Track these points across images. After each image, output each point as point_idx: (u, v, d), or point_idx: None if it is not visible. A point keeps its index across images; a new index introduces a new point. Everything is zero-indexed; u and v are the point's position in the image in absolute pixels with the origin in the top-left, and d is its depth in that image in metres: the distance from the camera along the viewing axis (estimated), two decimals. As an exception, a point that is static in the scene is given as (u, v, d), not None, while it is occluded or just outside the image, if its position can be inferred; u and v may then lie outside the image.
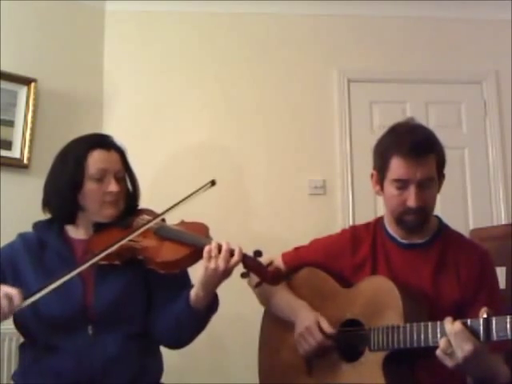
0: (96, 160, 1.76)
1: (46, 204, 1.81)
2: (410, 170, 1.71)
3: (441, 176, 1.80)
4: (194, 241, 1.69)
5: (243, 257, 1.64)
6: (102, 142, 1.82)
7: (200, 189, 1.79)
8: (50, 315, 1.67)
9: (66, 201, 1.76)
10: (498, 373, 1.60)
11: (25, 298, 1.51)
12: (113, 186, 1.76)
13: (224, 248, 1.63)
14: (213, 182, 1.81)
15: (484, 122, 3.45)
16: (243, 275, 1.67)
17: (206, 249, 1.62)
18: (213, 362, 3.06)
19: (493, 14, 3.44)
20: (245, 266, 1.66)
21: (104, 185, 1.76)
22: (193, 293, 1.68)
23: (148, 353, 1.77)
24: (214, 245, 1.63)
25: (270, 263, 1.67)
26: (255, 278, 1.70)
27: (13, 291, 1.50)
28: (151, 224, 1.73)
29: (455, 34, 3.49)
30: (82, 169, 1.75)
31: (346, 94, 3.40)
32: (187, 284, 1.79)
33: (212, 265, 1.61)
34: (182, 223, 1.82)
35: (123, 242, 1.65)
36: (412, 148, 1.71)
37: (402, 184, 1.73)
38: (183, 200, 1.76)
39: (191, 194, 1.78)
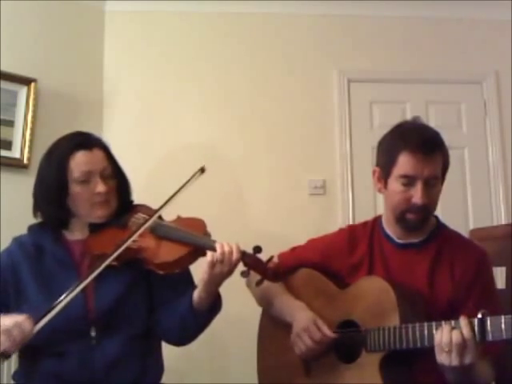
0: (79, 163, 1.71)
1: (37, 209, 1.78)
2: (417, 166, 1.70)
3: (443, 178, 1.79)
4: (192, 240, 1.67)
5: (242, 254, 1.62)
6: (83, 142, 1.75)
7: (190, 178, 1.76)
8: (53, 320, 1.60)
9: (54, 206, 1.73)
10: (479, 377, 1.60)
11: (35, 322, 1.48)
12: (100, 187, 1.72)
13: (227, 251, 1.61)
14: (202, 170, 1.78)
15: (484, 122, 3.45)
16: (243, 274, 1.65)
17: (210, 257, 1.60)
18: (213, 363, 3.06)
19: (493, 14, 3.43)
20: (244, 264, 1.64)
21: (91, 186, 1.72)
22: (196, 294, 1.67)
23: (149, 354, 1.76)
24: (219, 251, 1.61)
25: (270, 259, 1.67)
26: (255, 277, 1.69)
27: (20, 318, 1.47)
28: (150, 223, 1.69)
29: (455, 33, 3.49)
30: (65, 173, 1.70)
31: (346, 93, 3.40)
32: (189, 280, 1.78)
33: (217, 270, 1.61)
34: (179, 219, 1.79)
35: (126, 244, 1.62)
36: (421, 144, 1.70)
37: (409, 180, 1.72)
38: (176, 192, 1.73)
39: (183, 186, 1.75)
